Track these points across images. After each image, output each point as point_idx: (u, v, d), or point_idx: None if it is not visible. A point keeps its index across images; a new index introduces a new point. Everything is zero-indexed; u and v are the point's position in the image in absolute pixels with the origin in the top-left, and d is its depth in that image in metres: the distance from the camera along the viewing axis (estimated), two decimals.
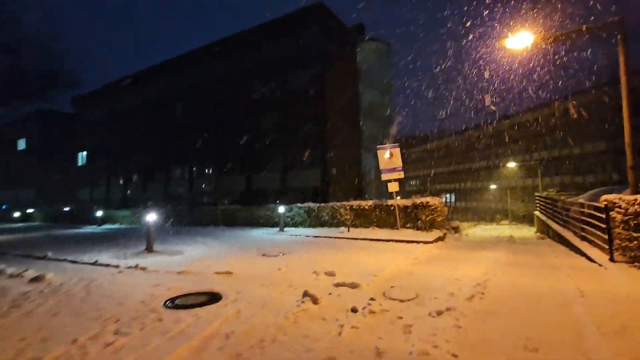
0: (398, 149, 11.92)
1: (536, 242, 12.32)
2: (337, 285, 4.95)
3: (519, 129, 44.46)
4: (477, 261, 7.16)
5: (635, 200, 4.95)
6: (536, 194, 21.93)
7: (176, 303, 4.23)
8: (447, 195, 61.88)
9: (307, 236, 12.19)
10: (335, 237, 11.62)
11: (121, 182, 35.38)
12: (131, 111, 34.29)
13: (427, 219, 11.53)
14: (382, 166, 11.81)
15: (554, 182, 37.35)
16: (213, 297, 4.43)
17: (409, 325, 3.39)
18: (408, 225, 12.15)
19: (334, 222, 13.78)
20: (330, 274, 5.63)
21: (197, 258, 7.55)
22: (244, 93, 26.67)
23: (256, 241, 10.94)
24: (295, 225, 14.97)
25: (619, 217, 5.63)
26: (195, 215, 19.95)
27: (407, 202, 12.12)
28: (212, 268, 6.21)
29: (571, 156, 36.66)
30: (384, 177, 11.82)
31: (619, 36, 5.74)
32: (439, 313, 3.68)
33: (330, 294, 4.54)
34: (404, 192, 64.03)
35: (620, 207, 5.58)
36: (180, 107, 30.55)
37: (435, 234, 11.16)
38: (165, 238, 11.99)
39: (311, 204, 14.62)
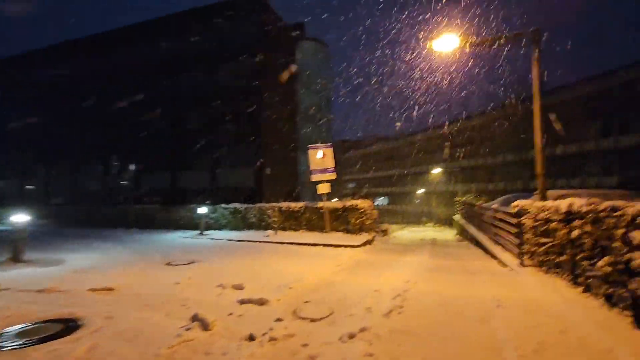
0: (331, 150, 11.53)
1: (456, 244, 12.90)
2: (243, 302, 4.18)
3: (444, 138, 48.12)
4: (401, 267, 6.95)
5: (544, 207, 5.05)
6: (456, 199, 23.53)
7: (3, 338, 3.07)
8: (382, 198, 64.70)
9: (229, 240, 11.15)
10: (259, 241, 10.79)
11: (20, 174, 30.00)
12: (37, 90, 29.23)
13: (357, 222, 11.31)
14: (312, 166, 11.31)
15: (471, 189, 40.96)
16: (68, 327, 3.35)
17: (313, 358, 2.76)
18: (339, 229, 11.83)
19: (262, 224, 12.92)
20: (239, 287, 4.83)
21: (78, 269, 6.14)
22: (171, 82, 24.38)
23: (167, 246, 9.61)
24: (219, 227, 13.75)
25: (529, 222, 5.78)
26: (105, 216, 17.43)
27: (338, 204, 11.79)
28: (89, 283, 4.97)
29: (486, 165, 40.62)
30: (314, 177, 11.33)
31: (534, 46, 5.92)
32: (351, 336, 3.13)
33: (230, 314, 3.76)
34: (341, 195, 65.27)
35: (530, 213, 5.72)
36: (96, 91, 26.87)
37: (364, 237, 10.97)
38: (53, 243, 9.97)
39: (238, 205, 13.56)
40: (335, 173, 11.41)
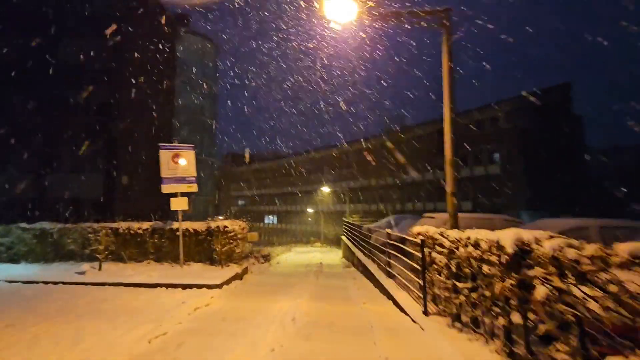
0: (193, 153, 8.70)
1: (343, 272, 11.40)
2: None
3: (335, 158, 49.41)
4: (268, 324, 4.64)
5: (468, 239, 3.52)
6: (344, 219, 22.96)
7: None
8: (272, 216, 62.43)
9: (11, 282, 7.07)
10: (69, 283, 7.10)
11: None
12: None
13: (224, 249, 8.63)
14: (164, 173, 8.26)
15: (357, 209, 42.43)
16: None
17: None
18: (199, 259, 8.91)
19: (86, 253, 8.97)
20: None
21: None
22: None
23: None
24: (15, 258, 9.15)
25: (440, 258, 4.25)
26: None
27: (200, 226, 8.93)
28: None
29: (370, 187, 42.81)
30: (166, 188, 8.29)
31: (443, 29, 4.62)
32: None
33: None
34: (230, 214, 60.36)
35: (442, 245, 4.20)
36: None
37: (231, 270, 8.36)
38: None
39: (47, 225, 9.28)
40: (195, 184, 8.60)
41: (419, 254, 5.07)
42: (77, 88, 17.56)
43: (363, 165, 43.21)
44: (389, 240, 7.38)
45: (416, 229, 5.48)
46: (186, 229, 8.89)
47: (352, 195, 43.02)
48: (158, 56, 21.86)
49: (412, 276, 5.64)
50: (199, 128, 27.51)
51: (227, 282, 7.45)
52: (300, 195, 53.11)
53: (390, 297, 6.15)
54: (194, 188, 8.61)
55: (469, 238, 3.52)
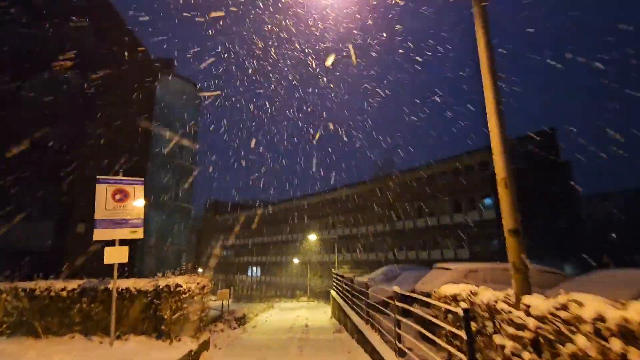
0: (142, 188, 6.86)
1: (333, 340, 9.09)
2: None
3: (321, 206, 47.67)
4: None
5: (598, 318, 1.75)
6: (333, 270, 20.68)
7: None
8: (255, 268, 58.54)
9: None
10: None
11: None
12: None
13: (175, 316, 6.42)
14: (99, 213, 6.30)
15: (346, 259, 39.85)
16: None
17: None
18: (143, 330, 6.63)
19: None
20: None
21: None
22: None
23: None
24: None
25: (514, 347, 2.39)
26: None
27: (145, 285, 6.77)
28: None
29: (360, 235, 40.69)
30: (101, 234, 6.29)
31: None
32: None
33: None
34: (207, 267, 56.70)
35: (517, 324, 2.38)
36: None
37: (183, 347, 6.11)
38: None
39: None
40: (141, 228, 6.64)
41: (458, 331, 3.19)
42: (39, 125, 15.87)
43: (352, 213, 41.48)
44: (397, 303, 5.43)
45: (448, 289, 3.65)
46: (127, 289, 6.72)
47: (341, 244, 40.70)
48: (135, 98, 20.71)
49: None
50: (178, 173, 25.70)
51: None
52: (285, 245, 50.30)
53: None
54: (139, 234, 6.63)
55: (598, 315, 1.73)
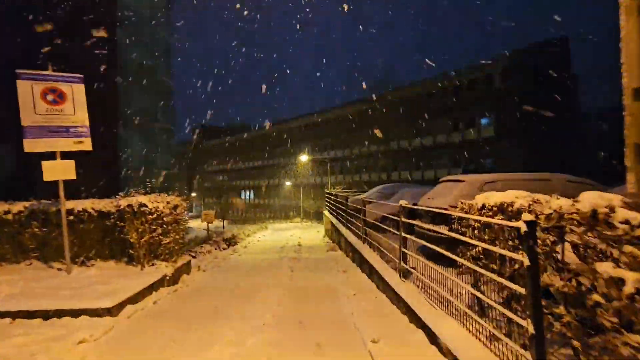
0: (82, 88, 5.36)
1: (327, 259, 8.59)
2: None
3: (315, 127, 46.01)
4: None
5: None
6: (326, 191, 20.20)
7: None
8: (249, 192, 59.08)
9: None
10: None
11: None
12: None
13: (143, 240, 5.52)
14: (27, 120, 4.91)
15: (339, 181, 39.74)
16: None
17: None
18: (112, 254, 5.80)
19: None
20: None
21: None
22: None
23: None
24: None
25: (626, 275, 1.37)
26: None
27: (107, 205, 5.73)
28: None
29: (354, 156, 39.99)
30: (31, 146, 4.98)
31: None
32: None
33: None
34: (204, 191, 57.15)
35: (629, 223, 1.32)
36: None
37: (155, 272, 5.34)
38: None
39: None
40: (88, 138, 5.33)
41: (510, 254, 2.19)
42: None
43: (345, 133, 40.15)
44: (403, 219, 4.50)
45: (492, 197, 2.58)
46: (84, 210, 5.69)
47: (334, 165, 40.23)
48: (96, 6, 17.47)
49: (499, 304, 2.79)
50: (154, 92, 23.32)
51: (135, 298, 4.43)
52: (278, 168, 49.86)
53: (421, 323, 3.33)
54: (86, 145, 5.34)
55: None
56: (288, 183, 45.75)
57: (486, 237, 2.65)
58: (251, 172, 56.52)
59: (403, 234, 4.46)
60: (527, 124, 24.71)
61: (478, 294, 2.63)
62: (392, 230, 5.57)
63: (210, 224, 17.66)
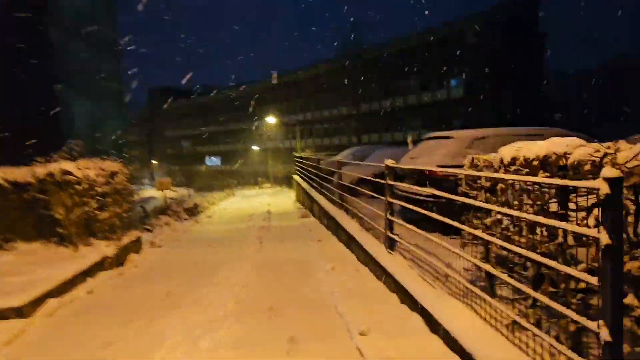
0: None
1: (299, 226, 7.96)
2: None
3: (281, 90, 43.86)
4: None
5: None
6: (295, 154, 19.36)
7: None
8: (214, 158, 56.62)
9: None
10: None
11: None
12: None
13: (73, 215, 4.50)
14: None
15: (308, 144, 38.74)
16: None
17: None
18: (37, 234, 4.73)
19: None
20: None
21: None
22: None
23: None
24: None
25: None
26: None
27: (24, 175, 4.57)
28: None
29: (323, 119, 38.83)
30: None
31: None
32: None
33: None
34: (167, 158, 54.28)
35: None
36: None
37: (92, 253, 4.41)
38: None
39: None
40: None
41: (574, 228, 1.53)
42: None
43: (315, 95, 38.58)
44: (390, 182, 3.81)
45: (534, 147, 1.88)
46: None
47: (303, 129, 38.99)
48: None
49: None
50: (97, 45, 20.46)
51: (62, 288, 3.53)
52: (245, 132, 47.73)
53: (416, 305, 2.75)
54: None
55: None
56: (257, 148, 44.09)
57: (514, 203, 2.01)
58: (218, 136, 53.84)
59: (389, 199, 3.81)
60: (496, 84, 24.63)
61: (505, 277, 2.01)
62: (373, 194, 4.92)
63: (173, 193, 16.42)
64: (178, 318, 3.05)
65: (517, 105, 24.74)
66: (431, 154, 5.20)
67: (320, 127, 39.46)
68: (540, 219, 1.63)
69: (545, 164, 1.72)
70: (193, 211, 10.48)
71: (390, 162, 3.82)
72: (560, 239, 1.63)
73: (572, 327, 1.61)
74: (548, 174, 1.69)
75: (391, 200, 3.80)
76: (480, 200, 2.40)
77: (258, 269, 4.58)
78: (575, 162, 1.54)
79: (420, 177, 4.91)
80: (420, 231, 3.18)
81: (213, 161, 56.37)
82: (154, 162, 50.95)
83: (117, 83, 25.42)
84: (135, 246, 5.44)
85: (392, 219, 3.79)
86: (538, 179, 1.66)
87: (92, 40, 20.27)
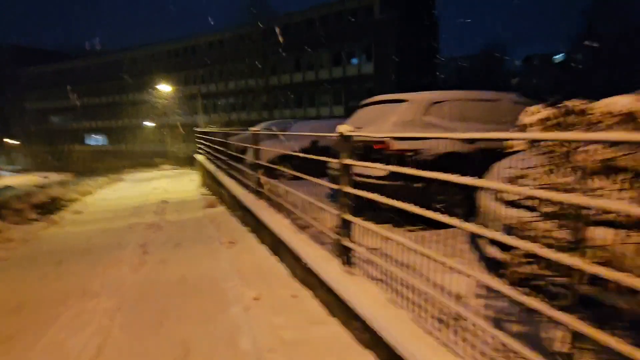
0: None
1: (202, 221, 6.09)
2: None
3: (182, 54, 38.37)
4: None
5: None
6: (195, 129, 16.73)
7: None
8: (98, 136, 47.52)
9: None
10: None
11: None
12: None
13: None
14: None
15: (212, 120, 35.05)
16: None
17: None
18: None
19: None
20: None
21: None
22: None
23: None
24: None
25: None
26: None
27: None
28: None
29: (229, 92, 35.37)
30: None
31: None
32: None
33: None
34: (30, 136, 43.50)
35: None
36: None
37: None
38: None
39: None
40: None
41: None
42: None
43: (220, 65, 34.60)
44: (344, 161, 2.39)
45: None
46: None
47: (207, 102, 34.99)
48: None
49: None
50: None
51: None
52: (139, 105, 40.86)
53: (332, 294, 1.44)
54: None
55: None
56: (152, 124, 38.18)
57: None
58: (100, 110, 45.04)
59: (345, 188, 2.40)
60: (402, 62, 25.24)
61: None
62: (303, 176, 3.47)
63: (41, 180, 12.31)
64: None
65: (419, 87, 25.94)
66: (379, 121, 3.96)
67: (226, 102, 35.96)
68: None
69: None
70: (49, 207, 7.53)
71: (345, 129, 2.38)
72: None
73: None
74: None
75: (348, 189, 2.39)
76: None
77: (128, 309, 2.77)
78: None
79: (366, 153, 3.71)
80: (373, 226, 1.87)
81: (96, 140, 47.40)
82: (10, 141, 40.26)
83: None
84: None
85: (351, 218, 2.41)
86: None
87: None
